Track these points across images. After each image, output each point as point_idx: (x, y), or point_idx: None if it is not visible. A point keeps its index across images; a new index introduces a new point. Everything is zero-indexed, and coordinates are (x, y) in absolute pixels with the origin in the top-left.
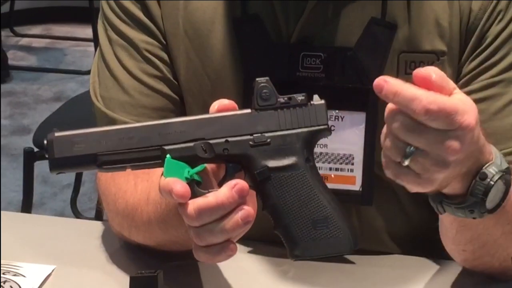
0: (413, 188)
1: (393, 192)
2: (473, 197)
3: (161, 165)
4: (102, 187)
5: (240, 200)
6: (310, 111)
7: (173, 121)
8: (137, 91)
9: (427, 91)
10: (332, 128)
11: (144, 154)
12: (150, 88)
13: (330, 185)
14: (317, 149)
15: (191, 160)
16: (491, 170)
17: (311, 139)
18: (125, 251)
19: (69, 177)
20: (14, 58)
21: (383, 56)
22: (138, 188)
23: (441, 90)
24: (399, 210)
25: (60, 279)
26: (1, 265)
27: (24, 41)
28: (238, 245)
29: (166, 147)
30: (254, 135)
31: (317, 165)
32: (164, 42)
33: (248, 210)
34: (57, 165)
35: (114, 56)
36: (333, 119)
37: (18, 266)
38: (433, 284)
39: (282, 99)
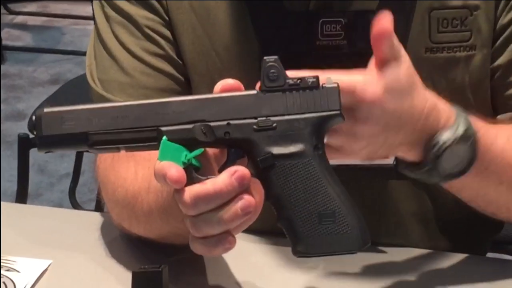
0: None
1: None
2: (425, 165)
3: (157, 147)
4: (101, 175)
5: (240, 189)
6: (321, 95)
7: (172, 100)
8: (138, 71)
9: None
10: None
11: (139, 135)
12: (151, 67)
13: (360, 161)
14: None
15: (190, 143)
16: (443, 137)
17: (321, 125)
18: (126, 244)
19: (67, 166)
20: (8, 37)
21: (409, 16)
22: (139, 176)
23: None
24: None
25: (56, 275)
26: None
27: (19, 19)
28: (249, 238)
29: (163, 128)
30: (259, 118)
31: None
32: (167, 18)
33: (249, 199)
34: (45, 143)
35: (112, 34)
36: None
37: (12, 261)
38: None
39: (291, 80)
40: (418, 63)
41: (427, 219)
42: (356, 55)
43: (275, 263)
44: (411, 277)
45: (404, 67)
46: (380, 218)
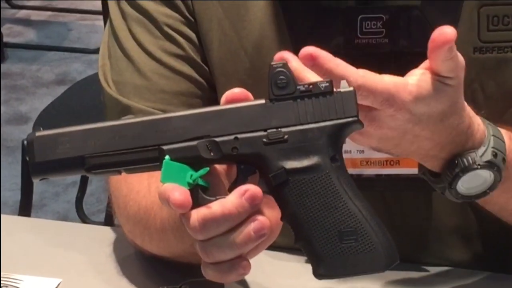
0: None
1: None
2: (441, 182)
3: (159, 168)
4: (112, 187)
5: (251, 209)
6: (336, 101)
7: (173, 116)
8: (156, 73)
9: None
10: None
11: (139, 156)
12: (170, 69)
13: (402, 170)
14: None
15: (195, 161)
16: (465, 160)
17: (337, 134)
18: (141, 262)
19: None
20: (9, 33)
21: (455, 13)
22: (152, 189)
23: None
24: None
25: None
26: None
27: (22, 13)
28: (274, 256)
29: (165, 147)
30: (269, 130)
31: None
32: (190, 17)
33: (262, 221)
34: (39, 170)
35: (129, 32)
36: None
37: (18, 280)
38: None
39: (302, 86)
40: (466, 64)
41: (471, 234)
42: (398, 54)
43: (302, 284)
44: None
45: (451, 91)
46: (420, 232)
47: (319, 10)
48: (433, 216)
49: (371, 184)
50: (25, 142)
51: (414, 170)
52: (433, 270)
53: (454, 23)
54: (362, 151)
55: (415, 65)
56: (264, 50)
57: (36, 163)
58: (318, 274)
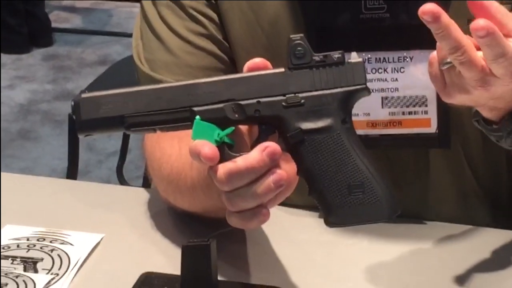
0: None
1: (465, 137)
2: (499, 131)
3: (190, 127)
4: (147, 152)
5: (271, 163)
6: (347, 70)
7: (202, 81)
8: (182, 50)
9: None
10: (402, 70)
11: (172, 116)
12: (195, 46)
13: (404, 130)
14: (388, 94)
15: (221, 122)
16: None
17: (347, 100)
18: (173, 218)
19: (115, 144)
20: (56, 19)
21: None
22: (183, 152)
23: (501, 27)
24: (468, 161)
25: (109, 248)
26: (49, 233)
27: (67, 1)
28: (291, 212)
29: (195, 109)
30: (287, 95)
31: (389, 110)
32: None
33: (280, 173)
34: (84, 127)
35: (158, 16)
36: (402, 60)
37: (66, 235)
38: None
39: (317, 57)
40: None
41: (466, 191)
42: (398, 27)
43: (315, 239)
44: (447, 253)
45: None
46: (419, 188)
47: None
48: (431, 172)
49: (376, 143)
50: (72, 102)
51: (414, 130)
52: (432, 225)
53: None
54: (368, 114)
55: (414, 36)
56: (278, 27)
57: (82, 121)
58: (329, 222)
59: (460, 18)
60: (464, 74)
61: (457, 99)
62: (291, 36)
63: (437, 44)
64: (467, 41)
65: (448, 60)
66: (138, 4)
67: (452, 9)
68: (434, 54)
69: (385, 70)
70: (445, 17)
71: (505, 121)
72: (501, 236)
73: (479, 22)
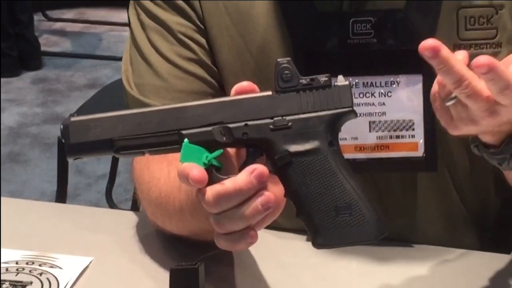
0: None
1: (452, 160)
2: (502, 153)
3: (179, 150)
4: (136, 175)
5: (259, 186)
6: (333, 93)
7: (191, 105)
8: (172, 74)
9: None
10: (389, 94)
11: (161, 139)
12: (184, 71)
13: (391, 154)
14: (375, 118)
15: (210, 144)
16: None
17: (334, 122)
18: (161, 241)
19: (104, 167)
20: (46, 43)
21: (435, 15)
22: (171, 176)
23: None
24: (455, 185)
25: (97, 271)
26: (38, 257)
27: (57, 25)
28: (279, 235)
29: (184, 132)
30: (275, 118)
31: (377, 134)
32: (201, 25)
33: (268, 195)
34: (73, 150)
35: (148, 41)
36: (389, 84)
37: (55, 258)
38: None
39: (304, 80)
40: None
41: (453, 214)
42: (385, 52)
43: (304, 262)
44: (434, 276)
45: None
46: (407, 211)
47: (316, 15)
48: (418, 195)
49: (364, 167)
50: (61, 126)
51: (401, 154)
52: (419, 248)
53: (434, 25)
54: (356, 138)
55: (401, 61)
56: (267, 52)
57: (71, 144)
58: (317, 243)
59: (446, 41)
60: (471, 106)
61: (465, 131)
62: (279, 59)
63: (436, 80)
64: (470, 73)
65: (453, 95)
66: (127, 29)
67: (440, 32)
68: (434, 90)
69: (372, 94)
70: (445, 50)
71: (507, 142)
72: (488, 260)
73: (480, 59)
